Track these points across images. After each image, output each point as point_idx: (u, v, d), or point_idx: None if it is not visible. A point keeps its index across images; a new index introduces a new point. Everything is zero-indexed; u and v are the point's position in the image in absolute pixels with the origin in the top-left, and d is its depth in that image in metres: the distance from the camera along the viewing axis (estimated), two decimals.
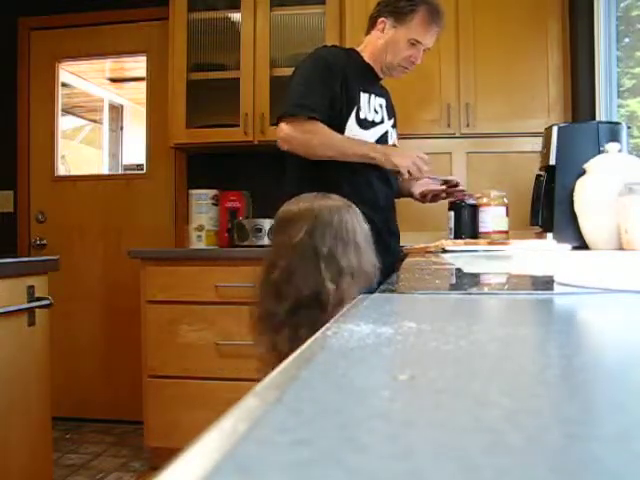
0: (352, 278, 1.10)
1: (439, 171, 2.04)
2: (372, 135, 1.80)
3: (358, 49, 1.89)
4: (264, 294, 1.15)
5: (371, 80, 1.87)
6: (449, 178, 1.99)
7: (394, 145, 1.94)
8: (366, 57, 1.86)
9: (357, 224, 1.17)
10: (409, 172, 1.70)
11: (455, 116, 2.53)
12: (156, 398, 2.37)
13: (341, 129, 1.73)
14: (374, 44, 1.85)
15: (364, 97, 1.79)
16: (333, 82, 1.72)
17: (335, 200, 1.19)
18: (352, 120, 1.75)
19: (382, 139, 1.84)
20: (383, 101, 1.88)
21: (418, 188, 1.99)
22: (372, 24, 1.86)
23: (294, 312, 1.08)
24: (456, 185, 1.96)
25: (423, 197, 2.00)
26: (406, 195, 2.03)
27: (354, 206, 1.21)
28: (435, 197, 2.00)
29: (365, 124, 1.78)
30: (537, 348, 0.33)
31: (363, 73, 1.84)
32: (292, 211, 1.17)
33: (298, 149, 1.71)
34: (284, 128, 1.70)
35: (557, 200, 1.75)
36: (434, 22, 1.79)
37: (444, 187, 1.95)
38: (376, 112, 1.83)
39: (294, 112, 1.70)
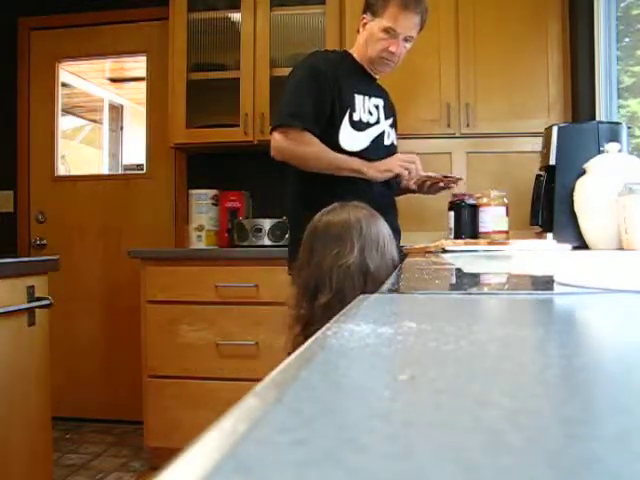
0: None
1: (439, 171, 2.03)
2: (367, 136, 1.81)
3: (350, 51, 1.91)
4: (311, 311, 1.10)
5: (366, 81, 1.87)
6: (450, 175, 1.97)
7: (392, 144, 1.94)
8: (356, 57, 1.87)
9: (389, 234, 1.18)
10: (407, 170, 1.71)
11: (455, 116, 2.53)
12: (156, 398, 2.37)
13: (335, 132, 1.74)
14: (358, 42, 1.86)
15: (358, 99, 1.80)
16: (326, 88, 1.73)
17: (366, 209, 1.19)
18: (346, 122, 1.76)
19: (378, 139, 1.85)
20: (380, 101, 1.88)
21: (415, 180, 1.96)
22: (359, 23, 1.87)
23: None
24: (455, 181, 1.94)
25: (420, 186, 1.93)
26: (405, 192, 2.02)
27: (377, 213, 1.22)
28: (433, 186, 1.93)
29: (359, 126, 1.79)
30: (537, 348, 0.33)
31: (357, 75, 1.85)
32: (333, 223, 1.13)
33: (291, 161, 1.74)
34: (278, 139, 1.72)
35: (557, 200, 1.75)
36: (406, 8, 1.74)
37: (441, 176, 1.92)
38: (370, 113, 1.83)
39: (288, 122, 1.70)
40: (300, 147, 1.71)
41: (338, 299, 1.05)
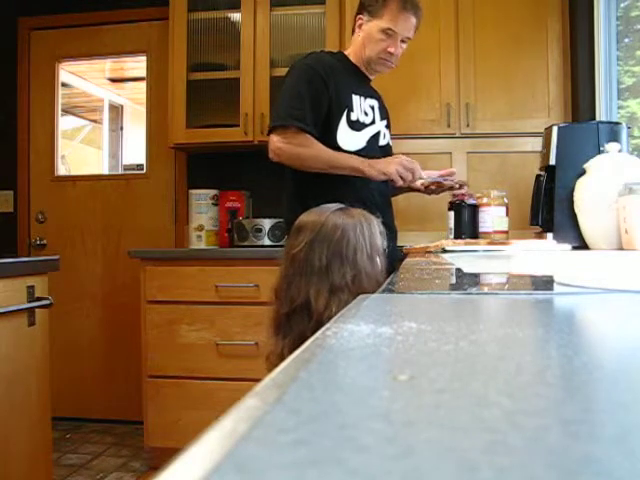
0: (347, 295, 1.12)
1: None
2: (363, 136, 1.81)
3: (346, 52, 1.91)
4: (273, 296, 1.24)
5: (362, 82, 1.88)
6: (450, 173, 1.97)
7: (388, 144, 1.95)
8: (352, 58, 1.87)
9: (362, 241, 1.19)
10: (402, 178, 1.71)
11: (455, 116, 2.53)
12: (156, 398, 2.37)
13: (333, 132, 1.74)
14: (355, 43, 1.86)
15: (355, 99, 1.81)
16: (322, 89, 1.73)
17: (349, 215, 1.22)
18: (343, 122, 1.76)
19: (373, 139, 1.85)
20: (375, 102, 1.89)
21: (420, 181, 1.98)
22: (354, 24, 1.87)
23: (288, 318, 1.16)
24: (460, 187, 1.96)
25: (426, 188, 1.97)
26: (407, 190, 2.02)
27: (373, 222, 1.23)
28: (438, 189, 1.98)
29: (357, 126, 1.79)
30: (537, 348, 0.33)
31: (353, 75, 1.85)
32: (302, 221, 1.23)
33: (289, 162, 1.74)
34: (275, 140, 1.71)
35: (557, 200, 1.75)
36: (405, 9, 1.76)
37: (449, 183, 1.94)
38: (366, 114, 1.84)
39: (285, 124, 1.70)
40: (298, 148, 1.71)
41: (286, 282, 1.19)
